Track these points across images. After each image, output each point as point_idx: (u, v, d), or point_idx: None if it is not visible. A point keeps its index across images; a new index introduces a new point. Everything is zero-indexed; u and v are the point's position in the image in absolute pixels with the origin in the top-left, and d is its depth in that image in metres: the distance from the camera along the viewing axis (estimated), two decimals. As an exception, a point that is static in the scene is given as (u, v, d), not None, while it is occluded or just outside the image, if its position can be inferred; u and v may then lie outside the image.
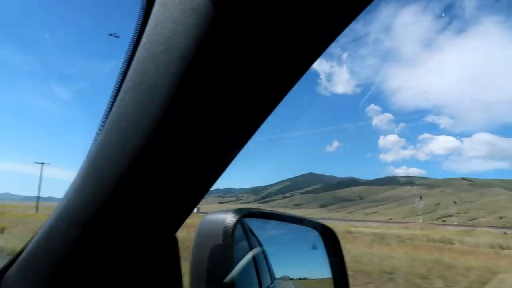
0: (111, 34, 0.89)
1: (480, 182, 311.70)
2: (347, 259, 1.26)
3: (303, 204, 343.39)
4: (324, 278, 1.27)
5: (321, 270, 1.25)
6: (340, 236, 1.30)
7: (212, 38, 0.52)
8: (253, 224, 1.06)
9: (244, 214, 0.90)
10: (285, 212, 1.31)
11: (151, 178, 0.68)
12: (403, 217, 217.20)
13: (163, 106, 0.59)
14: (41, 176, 57.72)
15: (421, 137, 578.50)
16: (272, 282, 1.11)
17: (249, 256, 0.94)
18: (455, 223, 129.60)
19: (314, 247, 1.24)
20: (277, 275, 1.15)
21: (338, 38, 0.56)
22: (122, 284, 0.78)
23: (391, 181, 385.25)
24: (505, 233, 42.04)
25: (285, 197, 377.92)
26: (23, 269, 0.87)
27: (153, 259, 0.82)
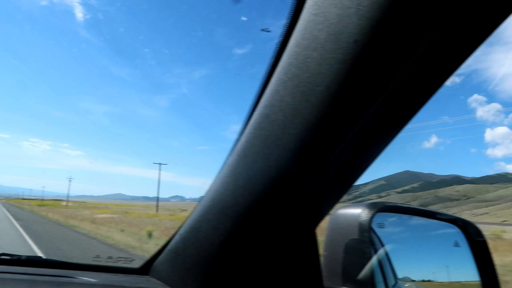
0: (263, 30, 0.88)
1: None
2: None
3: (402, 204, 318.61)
4: (451, 282, 1.14)
5: (456, 271, 1.11)
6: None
7: (389, 19, 0.47)
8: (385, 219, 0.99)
9: (380, 208, 0.87)
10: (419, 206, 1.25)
11: (302, 172, 0.64)
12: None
13: (327, 96, 0.55)
14: (159, 176, 56.81)
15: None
16: (396, 283, 1.04)
17: (381, 252, 0.91)
18: None
19: (456, 245, 1.11)
20: (398, 275, 1.07)
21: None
22: (265, 277, 0.78)
23: (503, 179, 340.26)
24: None
25: (380, 197, 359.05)
26: (171, 258, 0.92)
27: (294, 254, 0.80)
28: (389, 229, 1.04)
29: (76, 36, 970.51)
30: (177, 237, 0.90)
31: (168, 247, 0.94)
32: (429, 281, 1.13)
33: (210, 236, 0.78)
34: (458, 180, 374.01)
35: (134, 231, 16.32)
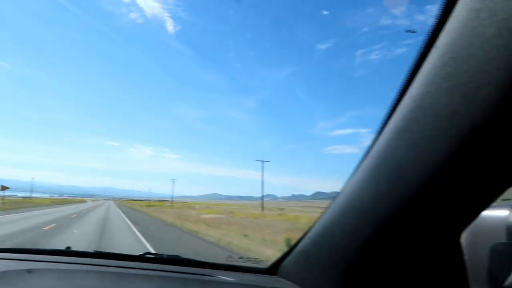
0: (408, 31, 0.92)
1: None
2: None
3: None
4: None
5: None
6: None
7: None
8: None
9: None
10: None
11: (455, 178, 0.60)
12: None
13: (496, 96, 0.50)
14: (262, 174, 55.64)
15: None
16: None
17: None
18: None
19: None
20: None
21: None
22: (407, 284, 0.77)
23: None
24: None
25: None
26: (301, 260, 0.97)
27: (440, 261, 0.77)
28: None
29: (168, 48, 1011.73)
30: (306, 240, 0.95)
31: (297, 249, 1.00)
32: None
33: (346, 241, 0.80)
34: None
35: (263, 237, 13.54)
